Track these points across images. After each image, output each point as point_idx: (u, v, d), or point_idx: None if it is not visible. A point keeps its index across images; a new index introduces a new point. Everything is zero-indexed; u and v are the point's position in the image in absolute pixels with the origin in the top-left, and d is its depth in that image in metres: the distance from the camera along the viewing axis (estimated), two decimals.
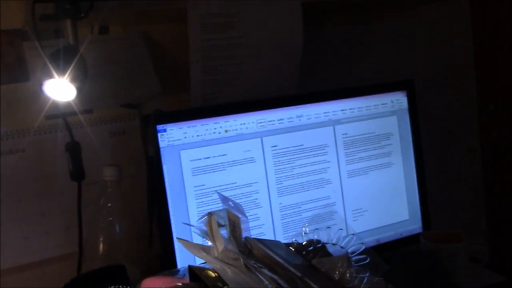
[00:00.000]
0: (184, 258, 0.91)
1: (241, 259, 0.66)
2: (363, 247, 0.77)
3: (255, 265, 0.67)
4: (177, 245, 0.91)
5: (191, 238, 0.88)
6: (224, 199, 0.73)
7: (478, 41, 1.33)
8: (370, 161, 1.06)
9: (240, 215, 0.71)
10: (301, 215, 1.01)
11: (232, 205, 0.72)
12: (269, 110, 0.99)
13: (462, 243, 0.95)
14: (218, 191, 0.80)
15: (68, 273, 0.87)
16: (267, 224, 0.99)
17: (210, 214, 0.73)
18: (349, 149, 1.05)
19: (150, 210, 0.92)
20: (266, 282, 0.62)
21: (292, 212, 1.00)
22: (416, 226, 1.10)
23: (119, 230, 0.91)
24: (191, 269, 0.64)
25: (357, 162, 1.06)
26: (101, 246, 0.90)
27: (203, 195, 0.94)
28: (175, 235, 0.91)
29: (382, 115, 1.08)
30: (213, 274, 0.63)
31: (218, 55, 0.96)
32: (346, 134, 1.05)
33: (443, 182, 1.27)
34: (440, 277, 0.89)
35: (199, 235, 0.75)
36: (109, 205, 0.91)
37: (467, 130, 1.34)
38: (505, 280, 0.96)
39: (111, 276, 0.66)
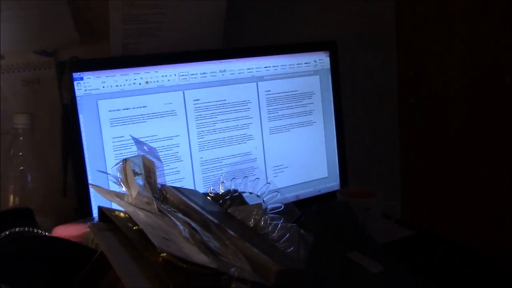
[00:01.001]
0: None
1: (155, 203, 0.66)
2: (278, 195, 0.79)
3: (168, 209, 0.66)
4: (93, 196, 0.89)
5: (108, 188, 0.86)
6: (138, 142, 0.72)
7: (401, 9, 1.37)
8: (291, 118, 1.08)
9: (154, 160, 0.70)
10: (222, 169, 1.01)
11: (147, 149, 0.71)
12: (192, 63, 0.98)
13: (375, 198, 0.99)
14: (131, 135, 0.78)
15: None
16: (187, 177, 0.98)
17: (125, 160, 0.71)
18: (272, 106, 1.06)
19: (64, 159, 0.89)
20: (178, 224, 0.61)
21: (213, 167, 1.01)
22: (334, 183, 1.14)
23: (31, 180, 0.88)
24: (101, 210, 0.63)
25: (279, 119, 1.07)
26: (11, 196, 0.86)
27: (122, 147, 0.92)
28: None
29: (305, 74, 1.09)
30: (123, 215, 0.62)
31: (140, 3, 0.93)
32: (269, 91, 1.05)
33: (362, 142, 1.31)
34: (353, 229, 0.92)
35: (115, 183, 0.74)
36: (20, 154, 0.87)
37: (387, 93, 1.39)
38: (413, 234, 1.02)
39: (18, 218, 0.64)
